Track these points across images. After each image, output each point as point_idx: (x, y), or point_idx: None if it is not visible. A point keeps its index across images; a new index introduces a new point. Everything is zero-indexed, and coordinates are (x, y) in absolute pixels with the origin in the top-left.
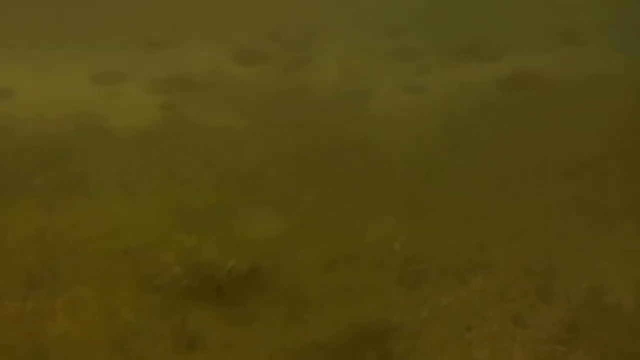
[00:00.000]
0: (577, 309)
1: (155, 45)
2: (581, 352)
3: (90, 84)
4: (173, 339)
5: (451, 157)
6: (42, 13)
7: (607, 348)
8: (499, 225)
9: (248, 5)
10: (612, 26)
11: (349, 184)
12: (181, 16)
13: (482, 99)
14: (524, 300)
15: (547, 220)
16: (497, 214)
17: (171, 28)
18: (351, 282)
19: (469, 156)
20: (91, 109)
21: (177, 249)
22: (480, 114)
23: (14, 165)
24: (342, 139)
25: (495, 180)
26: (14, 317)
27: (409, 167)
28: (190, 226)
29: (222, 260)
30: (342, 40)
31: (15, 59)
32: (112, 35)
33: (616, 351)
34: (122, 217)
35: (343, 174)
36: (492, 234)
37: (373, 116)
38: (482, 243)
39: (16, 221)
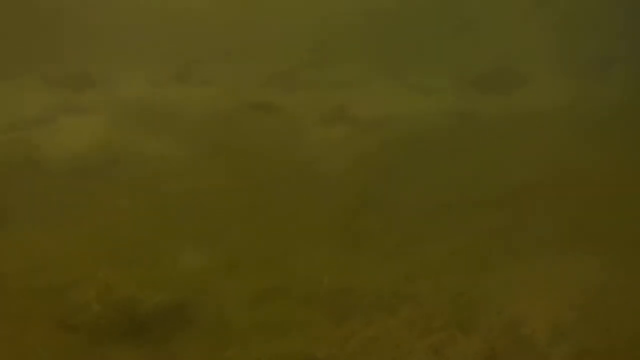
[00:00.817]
0: (494, 340)
1: (87, 73)
2: None
3: (19, 110)
4: None
5: (385, 188)
6: None
7: None
8: (427, 256)
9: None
10: (560, 59)
11: (282, 216)
12: (113, 42)
13: (420, 129)
14: (446, 331)
15: (473, 251)
16: (426, 245)
17: (103, 55)
18: (278, 316)
19: (402, 187)
20: (19, 136)
21: (99, 285)
22: (417, 144)
23: None
24: (278, 169)
25: (426, 211)
26: None
27: (343, 197)
28: (114, 261)
29: (146, 296)
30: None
31: None
32: (43, 63)
33: None
34: (43, 252)
35: (276, 205)
36: (421, 265)
37: (309, 145)
38: (411, 274)
39: None
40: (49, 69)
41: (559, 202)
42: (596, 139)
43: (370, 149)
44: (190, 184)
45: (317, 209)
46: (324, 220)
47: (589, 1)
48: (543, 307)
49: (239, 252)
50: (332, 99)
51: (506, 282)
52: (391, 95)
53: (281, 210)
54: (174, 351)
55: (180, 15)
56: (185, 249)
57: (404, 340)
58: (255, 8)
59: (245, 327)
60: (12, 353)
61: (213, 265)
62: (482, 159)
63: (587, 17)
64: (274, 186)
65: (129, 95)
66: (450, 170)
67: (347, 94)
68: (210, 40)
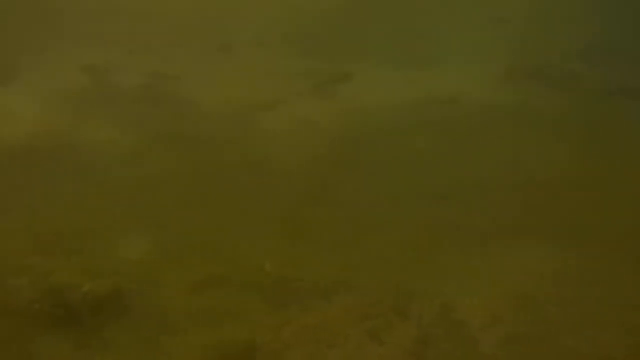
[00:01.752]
0: (428, 325)
1: (38, 54)
2: None
3: None
4: None
5: (338, 179)
6: None
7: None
8: (370, 247)
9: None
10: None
11: (229, 204)
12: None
13: (379, 120)
14: (383, 318)
15: (416, 242)
16: (371, 236)
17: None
18: (218, 304)
19: (355, 178)
20: None
21: (33, 273)
22: (371, 138)
23: None
24: (229, 158)
25: (375, 203)
26: None
27: (293, 188)
28: (53, 248)
29: (82, 284)
30: (244, 53)
31: None
32: None
33: None
34: None
35: (224, 194)
36: (362, 255)
37: (265, 134)
38: (351, 264)
39: None
40: None
41: (507, 196)
42: (548, 134)
43: (323, 142)
44: (135, 171)
45: (264, 199)
46: (271, 209)
47: None
48: (479, 295)
49: (182, 240)
50: (295, 88)
51: (446, 272)
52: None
53: (228, 199)
54: (107, 339)
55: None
56: (127, 236)
57: (341, 327)
58: None
59: (183, 315)
60: None
61: (154, 253)
62: (435, 154)
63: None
64: (223, 174)
65: (72, 80)
66: (402, 163)
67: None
68: (151, 28)
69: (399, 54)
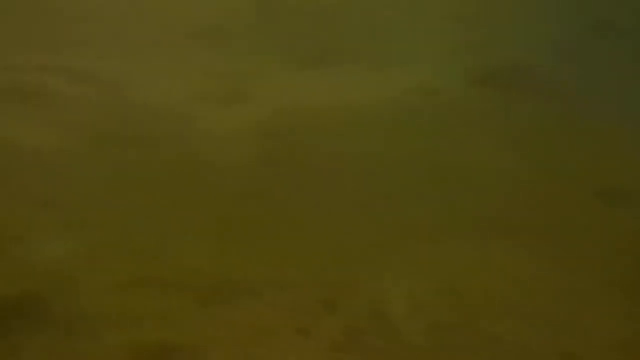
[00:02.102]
0: (356, 318)
1: None
2: (357, 355)
3: None
4: None
5: (272, 179)
6: None
7: (377, 350)
8: (302, 245)
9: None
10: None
11: (159, 205)
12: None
13: (315, 120)
14: (311, 313)
15: (349, 241)
16: (303, 235)
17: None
18: (141, 305)
19: (289, 178)
20: None
21: None
22: (311, 137)
23: None
24: (160, 158)
25: (310, 203)
26: None
27: (228, 188)
28: None
29: None
30: (176, 51)
31: None
32: None
33: (384, 355)
34: None
35: (156, 195)
36: (295, 253)
37: (198, 134)
38: (283, 262)
39: None
40: None
41: (439, 196)
42: (499, 135)
43: (258, 142)
44: (64, 173)
45: (195, 198)
46: (202, 209)
47: None
48: (406, 288)
49: (107, 241)
50: (231, 86)
51: (376, 268)
52: (292, 87)
53: (158, 199)
54: (16, 344)
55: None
56: (49, 238)
57: (269, 323)
58: None
59: (104, 317)
60: None
61: (77, 255)
62: (379, 154)
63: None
64: (153, 174)
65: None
66: (339, 164)
67: (246, 81)
68: (91, 28)
69: (340, 54)
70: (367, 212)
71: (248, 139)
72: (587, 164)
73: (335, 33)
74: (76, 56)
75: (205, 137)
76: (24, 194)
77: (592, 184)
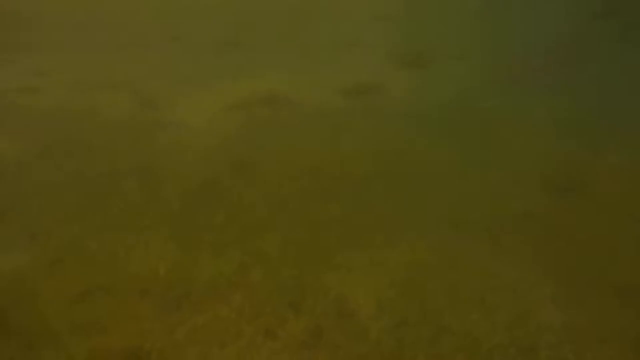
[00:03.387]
0: (321, 317)
1: None
2: (324, 354)
3: None
4: None
5: (232, 180)
6: None
7: (344, 349)
8: (264, 246)
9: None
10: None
11: (116, 212)
12: None
13: (273, 116)
14: (276, 314)
15: (309, 240)
16: (262, 237)
17: None
18: (104, 312)
19: (248, 180)
20: None
21: None
22: (271, 134)
23: None
24: (122, 166)
25: (265, 204)
26: None
27: (186, 191)
28: None
29: None
30: (134, 53)
31: None
32: None
33: (350, 352)
34: None
35: (117, 202)
36: (256, 255)
37: (161, 141)
38: (245, 264)
39: None
40: None
41: (389, 191)
42: (434, 129)
43: (210, 145)
44: (17, 182)
45: (156, 202)
46: (160, 215)
47: None
48: (369, 287)
49: (64, 250)
50: (180, 85)
51: (337, 267)
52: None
53: (116, 207)
54: None
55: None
56: (9, 248)
57: (234, 325)
58: None
59: (65, 326)
60: None
61: (33, 265)
62: (327, 150)
63: None
64: (109, 182)
65: None
66: (294, 161)
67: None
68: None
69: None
70: (330, 213)
71: (198, 142)
72: (531, 155)
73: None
74: (24, 62)
75: (158, 142)
76: None
77: (540, 175)
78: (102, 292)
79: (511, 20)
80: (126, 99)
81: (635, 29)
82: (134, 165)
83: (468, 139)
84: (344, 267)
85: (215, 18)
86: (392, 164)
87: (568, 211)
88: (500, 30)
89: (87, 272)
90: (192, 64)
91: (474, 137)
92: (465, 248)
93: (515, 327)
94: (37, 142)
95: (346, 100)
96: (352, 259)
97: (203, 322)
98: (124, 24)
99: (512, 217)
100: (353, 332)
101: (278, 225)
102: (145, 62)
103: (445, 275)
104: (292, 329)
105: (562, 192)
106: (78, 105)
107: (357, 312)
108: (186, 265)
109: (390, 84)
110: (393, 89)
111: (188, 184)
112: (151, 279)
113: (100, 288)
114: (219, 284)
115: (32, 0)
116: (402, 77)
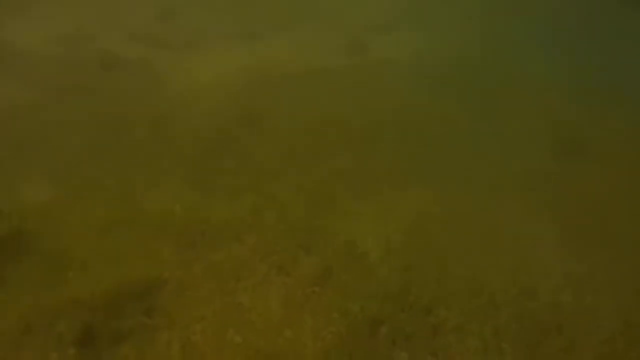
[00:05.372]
0: (331, 258)
1: None
2: (331, 291)
3: None
4: None
5: (242, 132)
6: None
7: (352, 287)
8: (275, 192)
9: None
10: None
11: (134, 155)
12: None
13: (281, 75)
14: (288, 253)
15: (318, 187)
16: (273, 183)
17: None
18: (125, 244)
19: (259, 131)
20: None
21: None
22: (279, 91)
23: None
24: (133, 113)
25: (276, 154)
26: None
27: (198, 141)
28: None
29: None
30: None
31: None
32: None
33: (357, 290)
34: None
35: (129, 145)
36: (268, 199)
37: (169, 92)
38: (258, 207)
39: None
40: None
41: (398, 143)
42: (436, 86)
43: (225, 98)
44: (38, 123)
45: (169, 148)
46: (176, 160)
47: None
48: (376, 232)
49: (87, 186)
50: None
51: (346, 213)
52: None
53: (134, 150)
54: (5, 274)
55: None
56: (31, 181)
57: (248, 262)
58: None
59: (89, 254)
60: None
61: (59, 198)
62: (336, 105)
63: None
64: (128, 127)
65: None
66: (302, 115)
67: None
68: None
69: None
70: (338, 164)
71: (213, 96)
72: (537, 114)
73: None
74: (33, 11)
75: (173, 94)
76: (4, 144)
77: (546, 134)
78: (122, 226)
79: None
80: (133, 49)
81: None
82: (145, 114)
83: (473, 97)
84: (353, 213)
85: None
86: (399, 119)
87: (572, 169)
88: None
89: (107, 207)
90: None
91: (479, 95)
92: (470, 199)
93: (518, 273)
94: (47, 87)
95: (351, 58)
96: (360, 206)
97: (219, 258)
98: None
99: (517, 173)
100: (361, 272)
101: (288, 173)
102: (151, 8)
103: (451, 223)
104: (303, 267)
105: (567, 151)
106: (86, 53)
107: (366, 254)
108: (201, 206)
109: (394, 41)
110: (397, 46)
111: (199, 132)
112: (168, 217)
113: (119, 222)
114: (233, 224)
115: None
116: (408, 37)
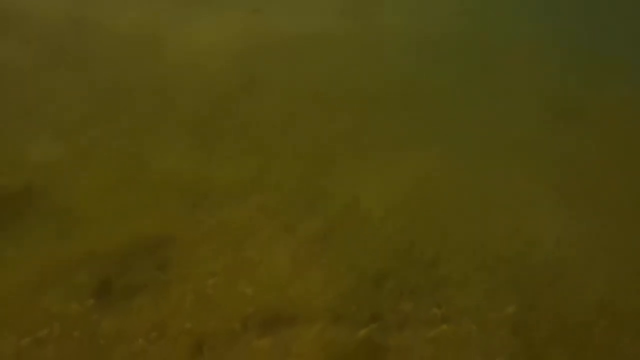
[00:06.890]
0: (335, 218)
1: None
2: (337, 248)
3: None
4: None
5: (243, 96)
6: None
7: (356, 244)
8: (278, 154)
9: None
10: None
11: (139, 119)
12: None
13: (280, 39)
14: (294, 213)
15: (319, 148)
16: (280, 144)
17: None
18: (133, 201)
19: (260, 95)
20: None
21: None
22: (278, 55)
23: None
24: (133, 78)
25: (280, 116)
26: None
27: (199, 103)
28: None
29: None
30: None
31: None
32: None
33: (362, 247)
34: None
35: (133, 110)
36: (272, 161)
37: (169, 60)
38: (262, 168)
39: None
40: None
41: (398, 108)
42: (432, 55)
43: (225, 62)
44: (41, 84)
45: (172, 111)
46: (179, 121)
47: None
48: (378, 192)
49: (93, 145)
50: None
51: (348, 175)
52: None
53: (136, 112)
54: (21, 230)
55: None
56: (38, 140)
57: (255, 221)
58: None
59: (98, 211)
60: None
61: (67, 157)
62: (335, 70)
63: None
64: (129, 89)
65: None
66: (304, 78)
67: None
68: None
69: None
70: (339, 128)
71: (213, 60)
72: (533, 83)
73: None
74: None
75: (173, 59)
76: (10, 104)
77: (541, 102)
78: (129, 184)
79: None
80: (132, 15)
81: None
82: (145, 79)
83: (470, 65)
84: (355, 175)
85: None
86: (399, 86)
87: (570, 133)
88: None
89: (115, 167)
90: None
91: (476, 63)
92: (469, 166)
93: (517, 232)
94: (47, 50)
95: (349, 24)
96: (361, 169)
97: (226, 217)
98: None
99: (515, 138)
100: (364, 230)
101: (290, 137)
102: None
103: (450, 187)
104: (308, 227)
105: (565, 116)
106: (85, 17)
107: (368, 214)
108: (206, 167)
109: (391, 7)
110: (394, 13)
111: (200, 97)
112: (174, 178)
113: (127, 181)
114: (238, 184)
115: None
116: (403, 3)
